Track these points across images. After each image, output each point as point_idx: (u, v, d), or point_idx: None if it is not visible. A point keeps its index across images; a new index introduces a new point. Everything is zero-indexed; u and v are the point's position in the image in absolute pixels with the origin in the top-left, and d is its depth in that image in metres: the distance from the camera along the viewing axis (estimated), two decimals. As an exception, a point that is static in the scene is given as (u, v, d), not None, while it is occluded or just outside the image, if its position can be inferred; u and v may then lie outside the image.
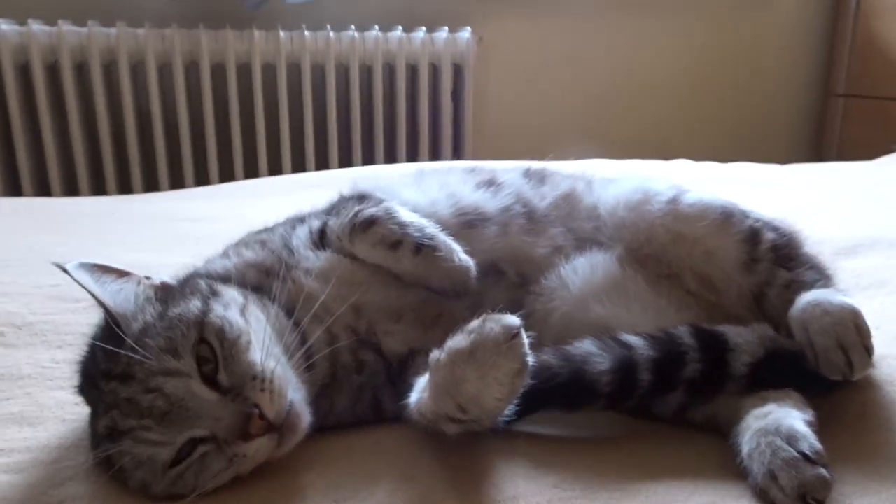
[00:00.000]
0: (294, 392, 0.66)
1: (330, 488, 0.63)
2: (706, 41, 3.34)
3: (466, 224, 0.87)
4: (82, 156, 2.57)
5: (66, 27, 2.48)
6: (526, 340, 0.62)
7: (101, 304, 0.67)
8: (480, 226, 0.88)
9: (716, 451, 0.68)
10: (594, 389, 0.70)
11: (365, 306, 0.79)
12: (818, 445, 0.60)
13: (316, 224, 0.86)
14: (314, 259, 0.81)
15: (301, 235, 0.85)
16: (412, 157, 2.87)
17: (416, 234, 0.79)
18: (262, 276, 0.79)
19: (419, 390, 0.67)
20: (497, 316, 0.62)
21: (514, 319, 0.62)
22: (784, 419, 0.63)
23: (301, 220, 0.89)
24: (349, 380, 0.75)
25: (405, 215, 0.81)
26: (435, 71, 2.87)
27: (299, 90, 2.71)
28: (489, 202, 0.91)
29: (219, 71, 2.64)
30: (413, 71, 2.86)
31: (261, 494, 0.62)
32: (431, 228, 0.81)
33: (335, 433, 0.71)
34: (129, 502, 0.62)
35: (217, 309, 0.66)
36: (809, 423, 0.64)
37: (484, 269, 0.83)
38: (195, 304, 0.67)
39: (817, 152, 3.43)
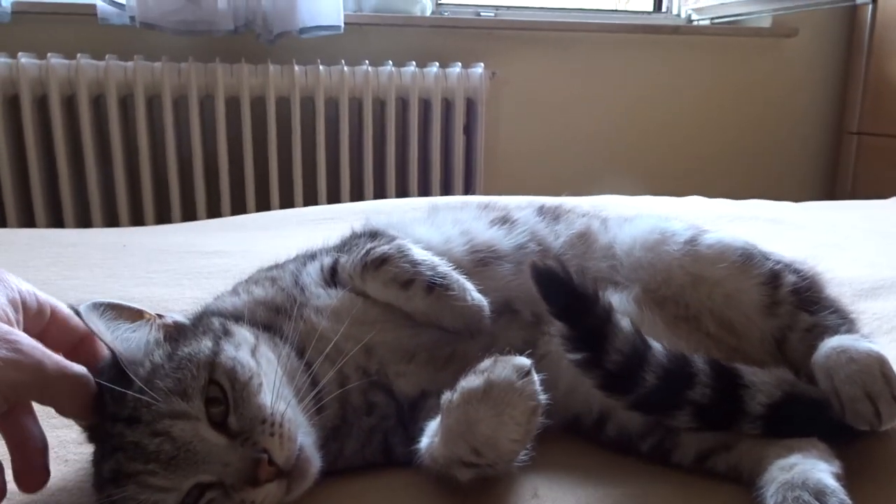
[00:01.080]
0: (304, 436, 0.64)
1: (339, 536, 0.61)
2: (720, 79, 3.35)
3: (480, 262, 0.86)
4: (96, 187, 2.59)
5: (84, 61, 2.51)
6: (537, 380, 0.60)
7: (110, 349, 0.65)
8: (494, 264, 0.87)
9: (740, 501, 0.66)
10: (600, 360, 0.69)
11: (376, 346, 0.78)
12: (848, 501, 0.58)
13: (327, 261, 0.85)
14: (326, 297, 0.80)
15: (312, 273, 0.84)
16: (424, 191, 2.87)
17: (429, 273, 0.78)
18: (273, 314, 0.78)
19: (430, 434, 0.65)
20: (507, 357, 0.61)
21: (524, 360, 0.62)
22: (811, 472, 0.60)
23: (312, 256, 0.88)
24: (359, 422, 0.74)
25: (417, 253, 0.80)
26: (448, 106, 2.89)
27: (313, 124, 2.73)
28: (503, 240, 0.90)
29: (233, 104, 2.67)
30: (426, 105, 2.88)
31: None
32: (444, 267, 0.80)
33: (344, 477, 0.69)
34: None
35: (228, 350, 0.65)
36: (837, 476, 0.61)
37: (498, 308, 0.81)
38: (206, 345, 0.65)
39: (830, 190, 3.41)
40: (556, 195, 1.91)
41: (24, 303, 0.66)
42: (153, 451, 0.59)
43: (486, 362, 0.61)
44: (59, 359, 0.62)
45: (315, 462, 0.64)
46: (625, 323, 0.71)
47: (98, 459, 0.65)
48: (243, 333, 0.70)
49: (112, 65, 2.52)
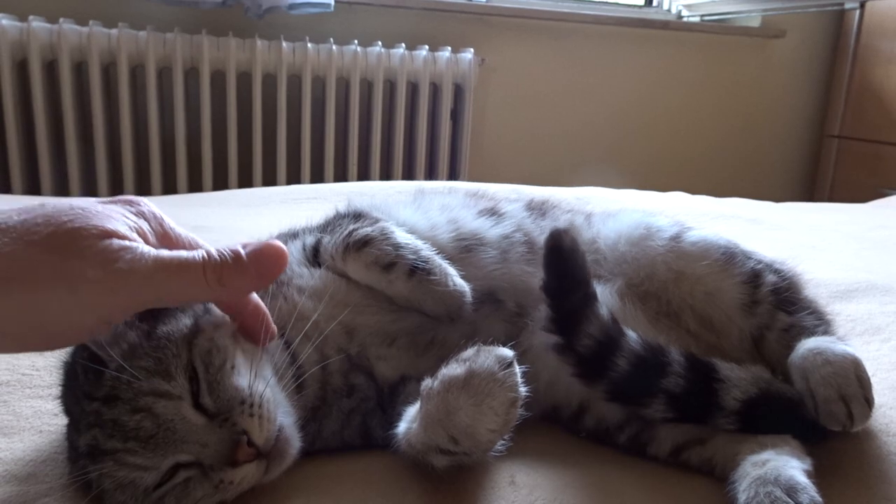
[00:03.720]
0: (284, 416, 0.64)
1: (316, 517, 0.61)
2: (707, 77, 3.37)
3: (465, 249, 0.86)
4: (75, 155, 2.55)
5: (66, 25, 2.46)
6: (519, 372, 0.61)
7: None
8: (479, 251, 0.87)
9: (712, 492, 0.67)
10: (572, 345, 0.70)
11: (357, 328, 0.77)
12: (818, 498, 0.59)
13: (310, 240, 0.84)
14: (307, 276, 0.79)
15: (294, 251, 0.83)
16: (408, 175, 2.87)
17: (411, 257, 0.77)
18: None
19: (409, 420, 0.65)
20: (490, 347, 0.62)
21: (507, 351, 0.62)
22: (783, 468, 0.61)
23: (294, 235, 0.88)
24: (339, 403, 0.73)
25: (400, 236, 0.80)
26: (436, 90, 2.88)
27: (299, 102, 2.71)
28: (490, 230, 0.90)
29: (219, 78, 2.63)
30: (414, 89, 2.86)
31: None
32: (426, 251, 0.79)
33: (321, 459, 0.69)
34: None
35: (207, 329, 0.64)
36: (808, 474, 0.62)
37: (481, 296, 0.81)
38: (185, 322, 0.64)
39: (809, 192, 3.46)
40: (541, 185, 1.92)
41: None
42: (132, 429, 0.58)
43: (469, 351, 0.61)
44: (160, 257, 0.55)
45: (294, 443, 0.64)
46: (603, 311, 0.72)
47: (72, 433, 0.64)
48: (220, 313, 0.69)
49: (95, 31, 2.47)
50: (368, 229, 0.80)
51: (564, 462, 0.71)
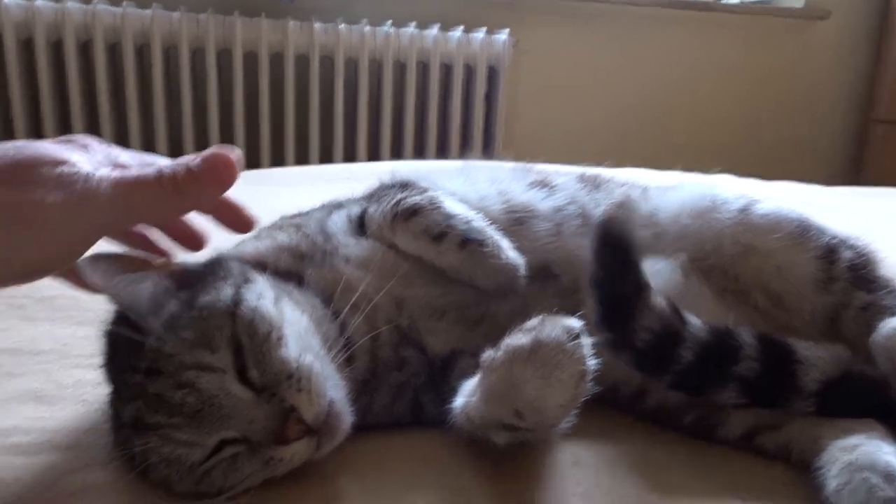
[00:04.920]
0: (334, 390, 0.61)
1: (367, 495, 0.58)
2: (747, 59, 3.28)
3: (516, 221, 0.82)
4: (109, 136, 2.55)
5: (100, 6, 2.46)
6: (587, 343, 0.56)
7: (115, 303, 0.61)
8: (531, 224, 0.82)
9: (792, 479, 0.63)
10: (628, 341, 0.65)
11: (406, 300, 0.74)
12: (918, 485, 0.54)
13: (355, 210, 0.81)
14: (354, 246, 0.76)
15: (339, 222, 0.80)
16: (441, 158, 2.83)
17: (462, 227, 0.74)
18: (297, 261, 0.74)
19: (467, 393, 0.61)
20: (555, 317, 0.57)
21: (574, 321, 0.58)
22: (877, 454, 0.57)
23: (339, 205, 0.85)
24: (389, 377, 0.70)
25: (451, 206, 0.76)
26: (469, 72, 2.83)
27: (331, 83, 2.68)
28: (542, 202, 0.86)
29: (251, 59, 2.61)
30: (447, 70, 2.82)
31: (294, 499, 0.57)
32: (479, 221, 0.75)
33: (371, 435, 0.65)
34: (151, 497, 0.57)
35: (249, 298, 0.61)
36: (900, 459, 0.58)
37: (533, 271, 0.77)
38: (226, 293, 0.61)
39: (854, 177, 3.35)
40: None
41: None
42: (177, 405, 0.56)
43: (534, 321, 0.57)
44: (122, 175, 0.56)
45: (346, 418, 0.60)
46: (659, 301, 0.67)
47: (116, 402, 0.62)
48: (263, 281, 0.66)
49: (129, 12, 2.46)
50: (417, 198, 0.76)
51: (627, 443, 0.67)
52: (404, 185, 0.81)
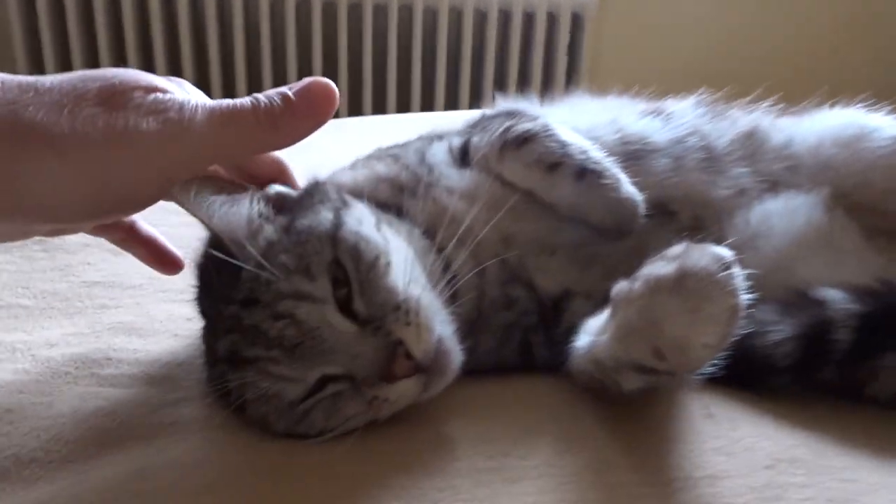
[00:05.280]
0: (443, 326, 0.55)
1: (480, 441, 0.52)
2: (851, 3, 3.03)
3: (632, 154, 0.74)
4: (191, 77, 2.56)
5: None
6: (741, 274, 0.48)
7: (209, 228, 0.57)
8: (648, 157, 0.75)
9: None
10: (770, 365, 0.59)
11: (514, 236, 0.68)
12: None
13: (457, 141, 0.75)
14: (457, 178, 0.70)
15: (440, 153, 0.74)
16: (522, 109, 2.72)
17: (579, 157, 0.67)
18: (396, 192, 0.69)
19: (593, 332, 0.55)
20: (702, 244, 0.50)
21: (724, 249, 0.50)
22: None
23: (438, 137, 0.79)
24: (497, 317, 0.65)
25: (566, 133, 0.69)
26: (552, 21, 2.71)
27: (409, 33, 2.61)
28: (659, 133, 0.77)
29: (329, 10, 2.57)
30: (529, 20, 2.70)
31: (401, 442, 0.52)
32: (596, 152, 0.69)
33: (477, 379, 0.60)
34: (247, 434, 0.53)
35: (350, 223, 0.56)
36: None
37: (651, 207, 0.70)
38: (326, 216, 0.56)
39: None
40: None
41: None
42: (275, 337, 0.52)
43: (677, 248, 0.50)
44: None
45: (456, 357, 0.55)
46: (777, 317, 0.60)
47: (210, 336, 0.58)
48: (362, 207, 0.61)
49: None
50: (528, 125, 0.69)
51: (769, 399, 0.60)
52: (511, 114, 0.74)
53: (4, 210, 0.50)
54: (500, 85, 2.75)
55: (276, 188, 0.61)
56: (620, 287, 0.51)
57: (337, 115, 2.18)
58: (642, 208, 0.68)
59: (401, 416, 0.54)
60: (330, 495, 0.48)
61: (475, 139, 0.73)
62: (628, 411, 0.55)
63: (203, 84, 2.56)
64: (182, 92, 0.54)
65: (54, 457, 0.50)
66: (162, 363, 0.62)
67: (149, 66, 2.51)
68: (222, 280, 0.56)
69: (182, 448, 0.52)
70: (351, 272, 0.53)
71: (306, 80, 0.54)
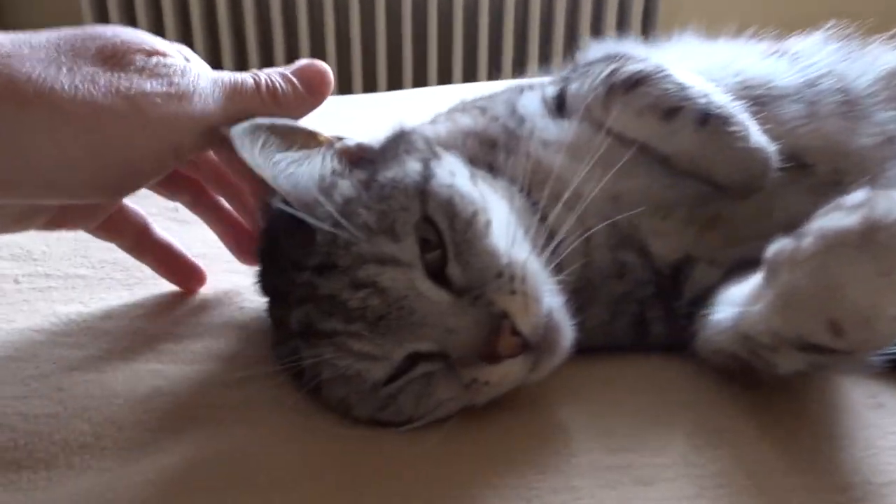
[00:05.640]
0: (551, 297, 0.47)
1: (600, 434, 0.44)
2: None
3: (756, 100, 0.63)
4: (254, 55, 2.52)
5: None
6: None
7: (275, 185, 0.49)
8: (776, 103, 0.64)
9: None
10: None
11: (624, 194, 0.58)
12: None
13: (551, 91, 0.66)
14: (555, 130, 0.61)
15: (530, 103, 0.65)
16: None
17: (702, 100, 0.57)
18: (485, 147, 0.60)
19: (739, 302, 0.46)
20: (889, 191, 0.39)
21: None
22: None
23: (529, 87, 0.69)
24: (608, 287, 0.56)
25: (683, 74, 0.59)
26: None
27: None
28: (785, 75, 0.66)
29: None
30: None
31: (505, 433, 0.44)
32: (720, 94, 0.58)
33: (588, 358, 0.51)
34: (324, 420, 0.46)
35: (442, 175, 0.48)
36: None
37: (782, 160, 0.59)
38: (413, 167, 0.48)
39: None
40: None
41: None
42: (356, 308, 0.44)
43: (858, 195, 0.40)
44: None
45: (567, 332, 0.47)
46: None
47: (278, 310, 0.51)
48: (455, 159, 0.53)
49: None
50: (639, 66, 0.59)
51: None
52: (613, 57, 0.64)
53: (5, 181, 0.43)
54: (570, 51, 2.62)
55: (354, 139, 0.53)
56: (781, 246, 0.42)
57: (375, 89, 2.09)
58: (775, 160, 0.57)
59: (501, 401, 0.45)
60: (421, 495, 0.40)
61: (573, 87, 0.64)
62: (775, 399, 0.46)
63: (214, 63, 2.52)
64: (182, 59, 0.49)
65: (107, 443, 0.44)
66: (227, 338, 0.55)
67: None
68: (293, 244, 0.48)
69: (249, 435, 0.45)
70: (444, 232, 0.45)
71: (301, 62, 0.53)
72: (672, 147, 0.58)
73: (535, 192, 0.55)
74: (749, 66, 0.67)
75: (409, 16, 2.47)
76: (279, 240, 0.51)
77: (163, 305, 0.60)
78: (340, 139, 0.53)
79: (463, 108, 0.67)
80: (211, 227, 0.63)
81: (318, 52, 2.52)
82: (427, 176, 0.47)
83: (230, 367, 0.52)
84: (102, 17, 2.42)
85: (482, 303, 0.44)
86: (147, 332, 0.55)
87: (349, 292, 0.44)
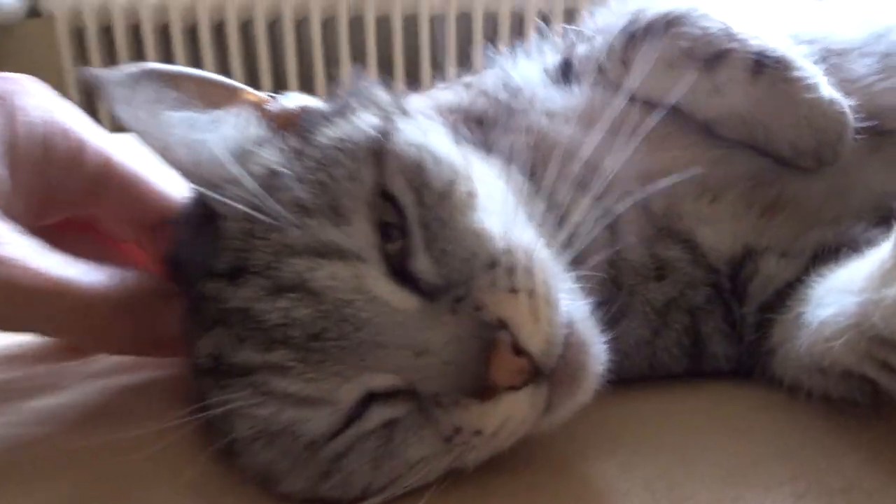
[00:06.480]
0: (572, 302, 0.32)
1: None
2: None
3: (816, 57, 0.49)
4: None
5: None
6: None
7: (168, 162, 0.35)
8: (839, 60, 0.50)
9: None
10: None
11: (657, 173, 0.44)
12: None
13: (553, 60, 0.53)
14: (560, 98, 0.48)
15: (528, 73, 0.52)
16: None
17: (754, 42, 0.43)
18: (472, 125, 0.47)
19: (855, 289, 0.31)
20: None
21: None
22: None
23: (524, 53, 0.56)
24: (644, 293, 0.41)
25: (725, 13, 0.46)
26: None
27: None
28: (845, 29, 0.53)
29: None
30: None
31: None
32: (774, 36, 0.45)
33: (621, 394, 0.36)
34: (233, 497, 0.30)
35: (408, 132, 0.34)
36: None
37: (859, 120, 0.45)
38: (367, 121, 0.35)
39: None
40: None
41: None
42: (277, 326, 0.30)
43: None
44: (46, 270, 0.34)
45: (596, 351, 0.32)
46: None
47: (193, 328, 0.36)
48: (431, 123, 0.39)
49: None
50: (667, 6, 0.46)
51: None
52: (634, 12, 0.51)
53: None
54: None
55: (287, 101, 0.39)
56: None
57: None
58: (851, 119, 0.43)
59: (504, 462, 0.30)
60: None
61: (580, 49, 0.51)
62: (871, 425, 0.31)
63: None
64: None
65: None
66: (108, 388, 0.40)
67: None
68: (200, 245, 0.34)
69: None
70: (408, 208, 0.32)
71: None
72: (716, 107, 0.45)
73: (540, 171, 0.41)
74: (799, 19, 0.54)
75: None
76: (185, 244, 0.37)
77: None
78: (275, 96, 0.39)
79: (444, 86, 0.54)
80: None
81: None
82: (386, 132, 0.33)
83: (119, 429, 0.36)
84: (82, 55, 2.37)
85: (466, 308, 0.29)
86: None
87: (267, 302, 0.30)
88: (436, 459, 0.29)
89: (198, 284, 0.34)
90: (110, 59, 2.37)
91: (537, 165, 0.42)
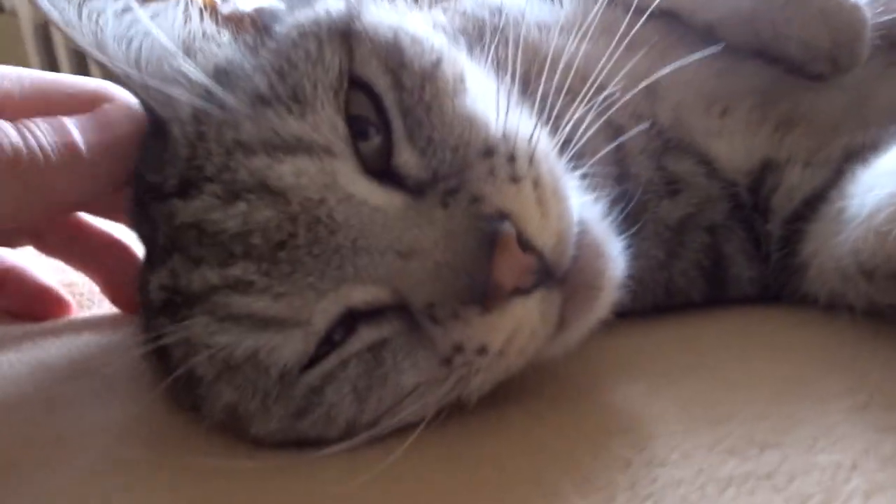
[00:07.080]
0: (581, 200, 0.28)
1: (694, 421, 0.24)
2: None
3: None
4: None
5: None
6: None
7: (94, 56, 0.30)
8: None
9: None
10: None
11: (661, 86, 0.40)
12: None
13: None
14: (550, 10, 0.44)
15: None
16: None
17: None
18: (451, 41, 0.43)
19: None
20: None
21: None
22: None
23: None
24: (657, 209, 0.37)
25: None
26: None
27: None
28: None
29: None
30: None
31: (530, 456, 0.24)
32: None
33: (634, 324, 0.32)
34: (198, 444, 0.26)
35: (378, 13, 0.30)
36: None
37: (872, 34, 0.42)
38: (332, 3, 0.30)
39: None
40: None
41: None
42: (236, 235, 0.25)
43: None
44: None
45: (615, 257, 0.27)
46: None
47: (145, 271, 0.31)
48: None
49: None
50: None
51: None
52: None
53: None
54: None
55: (241, 2, 0.34)
56: None
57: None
58: (868, 16, 0.39)
59: (512, 392, 0.26)
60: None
61: None
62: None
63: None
64: None
65: None
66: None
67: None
68: (151, 159, 0.29)
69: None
70: (385, 95, 0.27)
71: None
72: (718, 7, 0.41)
73: (535, 83, 0.37)
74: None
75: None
76: (143, 156, 0.31)
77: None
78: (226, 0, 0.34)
79: (417, 10, 0.50)
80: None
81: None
82: (354, 13, 0.29)
83: (83, 380, 0.31)
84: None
85: (461, 201, 0.25)
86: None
87: (222, 210, 0.25)
88: (433, 387, 0.25)
89: (150, 208, 0.29)
90: (77, 54, 2.31)
91: (530, 75, 0.38)
